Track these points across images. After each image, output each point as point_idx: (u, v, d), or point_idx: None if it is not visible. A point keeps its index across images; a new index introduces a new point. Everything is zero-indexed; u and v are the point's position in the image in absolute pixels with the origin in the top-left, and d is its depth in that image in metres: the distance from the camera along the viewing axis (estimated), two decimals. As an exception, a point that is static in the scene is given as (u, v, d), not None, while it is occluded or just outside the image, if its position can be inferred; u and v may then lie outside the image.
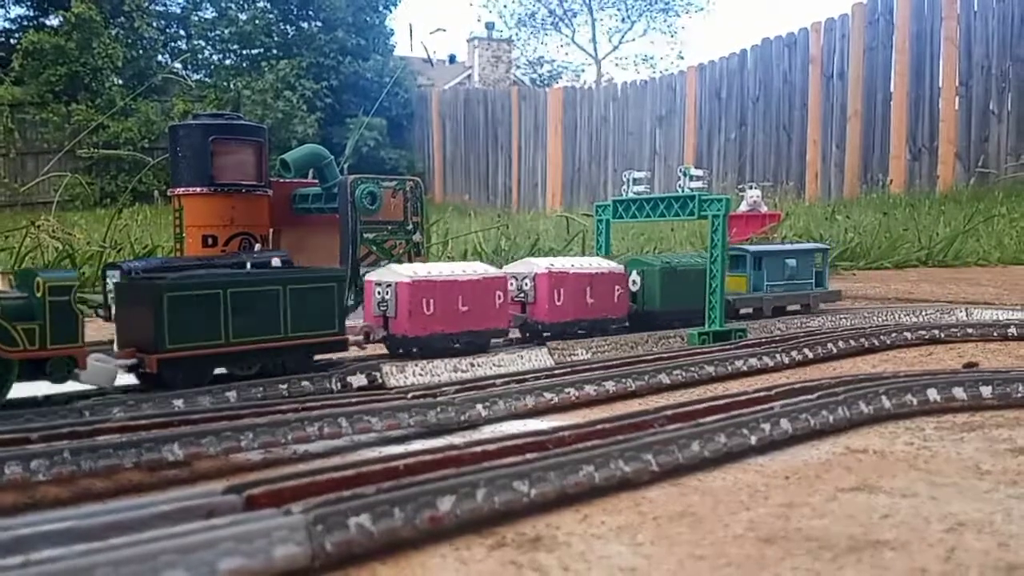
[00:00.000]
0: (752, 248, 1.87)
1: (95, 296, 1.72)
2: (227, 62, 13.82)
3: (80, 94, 11.79)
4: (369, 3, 13.63)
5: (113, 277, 1.25)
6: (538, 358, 1.33)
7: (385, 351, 1.32)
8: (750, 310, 1.81)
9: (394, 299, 1.27)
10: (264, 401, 1.01)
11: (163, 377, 1.03)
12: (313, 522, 0.57)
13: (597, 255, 1.70)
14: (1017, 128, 7.06)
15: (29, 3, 13.64)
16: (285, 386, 1.08)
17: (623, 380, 1.15)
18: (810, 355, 1.40)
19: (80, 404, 0.95)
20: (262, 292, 1.11)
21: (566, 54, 41.77)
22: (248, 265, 1.28)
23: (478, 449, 0.74)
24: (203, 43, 13.86)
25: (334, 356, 1.25)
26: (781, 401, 0.94)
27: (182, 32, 14.44)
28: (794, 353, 1.38)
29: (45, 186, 7.66)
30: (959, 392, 1.04)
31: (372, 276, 1.31)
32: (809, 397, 0.95)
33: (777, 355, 1.36)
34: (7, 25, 13.88)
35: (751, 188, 3.59)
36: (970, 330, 1.60)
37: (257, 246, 1.51)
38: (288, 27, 13.53)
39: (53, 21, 13.07)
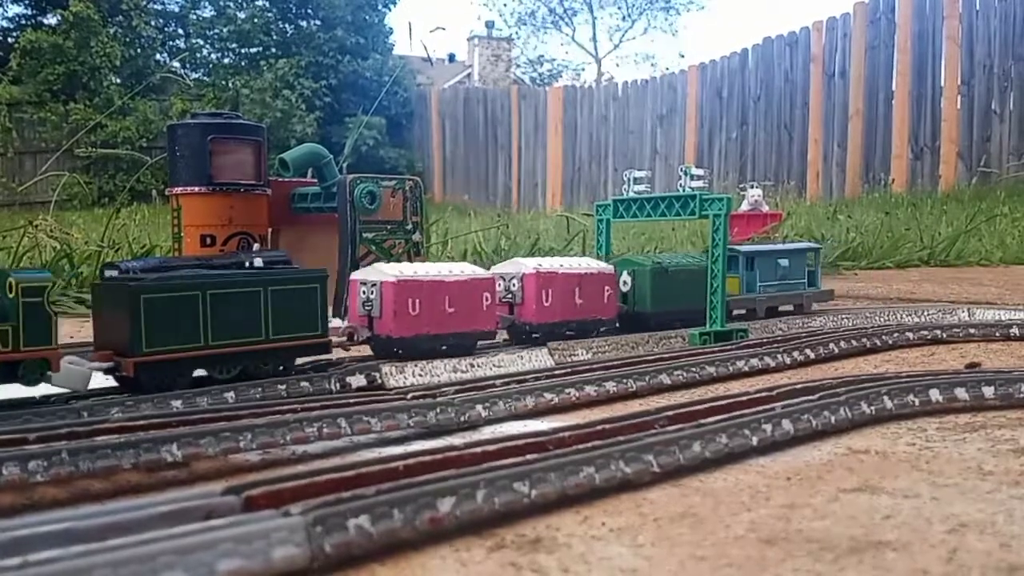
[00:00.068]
0: (744, 248, 1.85)
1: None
2: (225, 61, 13.83)
3: (78, 93, 11.78)
4: (368, 2, 13.63)
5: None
6: (538, 358, 1.33)
7: (371, 352, 1.29)
8: (743, 311, 1.79)
9: (379, 299, 1.25)
10: (263, 402, 1.00)
11: (140, 380, 1.01)
12: (312, 523, 0.57)
13: (597, 255, 1.70)
14: (1019, 127, 7.06)
15: (27, 2, 13.63)
16: (284, 387, 1.08)
17: (624, 380, 1.15)
18: (812, 355, 1.40)
19: (78, 404, 0.95)
20: (242, 293, 1.09)
21: (566, 53, 41.84)
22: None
23: (478, 450, 0.74)
24: (201, 42, 13.86)
25: (325, 357, 1.24)
26: (783, 402, 0.94)
27: (180, 31, 14.44)
28: (796, 353, 1.38)
29: (43, 185, 7.66)
30: (961, 392, 1.03)
31: (357, 275, 1.29)
32: (811, 397, 0.95)
33: (778, 355, 1.35)
34: (5, 24, 13.88)
35: (752, 187, 3.58)
36: (972, 330, 1.60)
37: (256, 246, 1.50)
38: (287, 26, 13.53)
39: (51, 20, 13.07)
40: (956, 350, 1.49)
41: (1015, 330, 1.58)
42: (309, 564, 0.56)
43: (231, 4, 13.58)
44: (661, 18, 29.62)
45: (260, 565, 0.54)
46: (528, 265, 1.42)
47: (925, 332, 1.58)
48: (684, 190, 1.56)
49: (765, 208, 3.62)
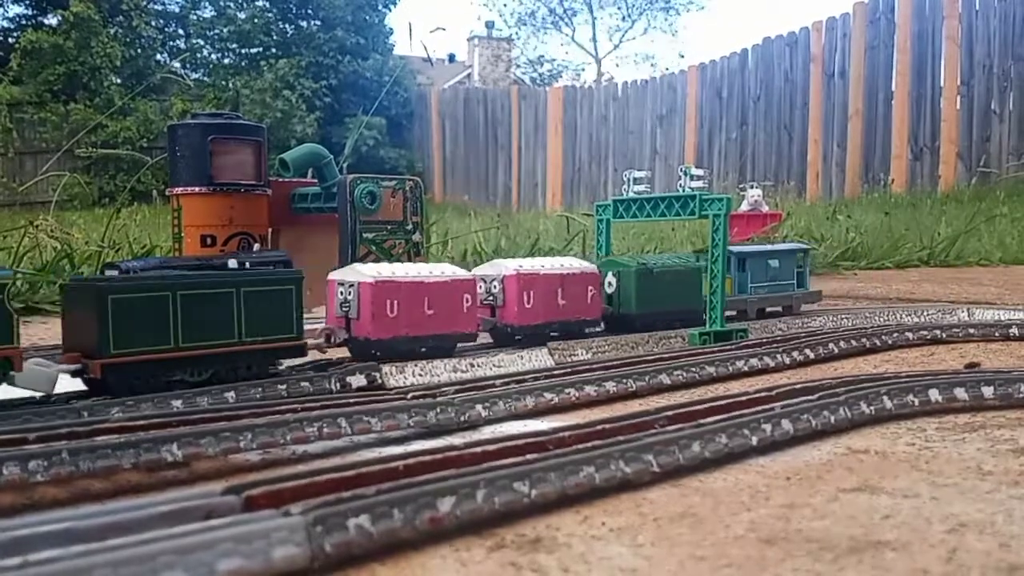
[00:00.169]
0: (735, 249, 1.85)
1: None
2: (226, 61, 13.83)
3: (78, 93, 11.79)
4: (368, 2, 13.63)
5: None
6: (538, 358, 1.33)
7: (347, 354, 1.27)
8: (734, 312, 1.78)
9: (356, 300, 1.22)
10: (263, 401, 1.00)
11: (108, 383, 1.00)
12: (312, 523, 0.57)
13: (598, 255, 1.70)
14: (1019, 127, 7.06)
15: (27, 2, 13.63)
16: (284, 387, 1.08)
17: (624, 380, 1.15)
18: (811, 355, 1.40)
19: (79, 404, 0.95)
20: (214, 295, 1.07)
21: (566, 53, 41.84)
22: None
23: (478, 450, 0.74)
24: (202, 42, 13.87)
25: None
26: (782, 401, 0.94)
27: (181, 31, 14.44)
28: (795, 353, 1.38)
29: (43, 186, 7.66)
30: (961, 392, 1.04)
31: (335, 276, 1.27)
32: (810, 397, 0.95)
33: (778, 355, 1.35)
34: (5, 24, 13.89)
35: (752, 187, 3.58)
36: (972, 330, 1.60)
37: (256, 246, 1.50)
38: (287, 26, 13.53)
39: (51, 20, 13.07)
40: (956, 350, 1.49)
41: (1014, 330, 1.58)
42: (309, 564, 0.56)
43: (231, 4, 13.58)
44: (661, 18, 29.63)
45: (260, 565, 0.54)
46: (509, 266, 1.40)
47: (925, 332, 1.58)
48: (684, 190, 1.56)
49: (765, 208, 3.62)
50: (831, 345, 1.44)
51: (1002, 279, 3.14)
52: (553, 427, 0.84)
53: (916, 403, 1.01)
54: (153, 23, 13.38)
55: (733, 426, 0.85)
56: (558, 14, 22.66)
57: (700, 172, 1.56)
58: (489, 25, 20.99)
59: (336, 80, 12.95)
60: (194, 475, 0.81)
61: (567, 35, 29.94)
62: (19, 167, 10.86)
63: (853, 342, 1.48)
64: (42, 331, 1.78)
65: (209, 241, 1.49)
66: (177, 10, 14.22)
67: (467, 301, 1.32)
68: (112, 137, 11.24)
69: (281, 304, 1.13)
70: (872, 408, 0.98)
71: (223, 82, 13.05)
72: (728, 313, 1.75)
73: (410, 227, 1.61)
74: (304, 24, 13.59)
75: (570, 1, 22.40)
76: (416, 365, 1.21)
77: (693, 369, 1.24)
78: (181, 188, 1.50)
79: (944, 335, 1.58)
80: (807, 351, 1.40)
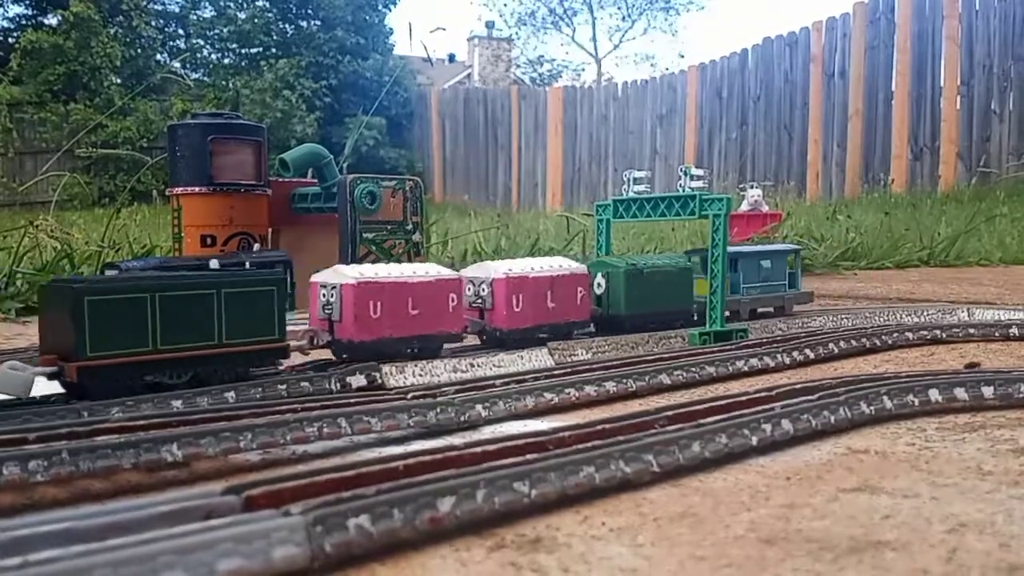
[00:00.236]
0: (728, 249, 1.84)
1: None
2: (226, 61, 13.84)
3: (78, 93, 11.79)
4: (368, 2, 13.64)
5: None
6: (538, 358, 1.33)
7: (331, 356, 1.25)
8: (727, 313, 1.77)
9: (339, 302, 1.20)
10: (263, 402, 1.00)
11: (84, 386, 0.98)
12: (312, 523, 0.57)
13: (598, 255, 1.70)
14: (1019, 127, 7.06)
15: (27, 2, 13.64)
16: (284, 387, 1.08)
17: (624, 380, 1.15)
18: (811, 355, 1.40)
19: (79, 404, 0.95)
20: (193, 296, 1.05)
21: (566, 53, 41.88)
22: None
23: (478, 450, 0.74)
24: (202, 42, 13.88)
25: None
26: (782, 401, 0.94)
27: (181, 31, 14.45)
28: (795, 353, 1.38)
29: (43, 186, 7.66)
30: (961, 392, 1.03)
31: (316, 278, 1.25)
32: (810, 397, 0.95)
33: (778, 355, 1.35)
34: (5, 24, 13.91)
35: (752, 187, 3.59)
36: (972, 330, 1.60)
37: (256, 246, 1.50)
38: (287, 26, 13.54)
39: (51, 20, 13.09)
40: (956, 350, 1.49)
41: (1014, 330, 1.58)
42: (309, 564, 0.56)
43: (231, 4, 13.59)
44: (661, 18, 29.67)
45: (260, 565, 0.54)
46: (498, 270, 1.37)
47: (925, 332, 1.58)
48: (684, 190, 1.56)
49: (765, 208, 3.62)
50: (831, 345, 1.44)
51: (1002, 279, 3.14)
52: (553, 427, 0.84)
53: (916, 403, 1.01)
54: (153, 23, 13.39)
55: (733, 426, 0.85)
56: (558, 14, 22.69)
57: (700, 172, 1.56)
58: (489, 25, 21.00)
59: (336, 80, 12.96)
60: (194, 475, 0.81)
61: (567, 35, 29.98)
62: (19, 167, 10.87)
63: (853, 342, 1.48)
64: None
65: (209, 241, 1.49)
66: (177, 10, 14.24)
67: (452, 301, 1.30)
68: (112, 137, 11.24)
69: (262, 305, 1.11)
70: (872, 408, 0.98)
71: (223, 82, 13.05)
72: None
73: (410, 227, 1.61)
74: (304, 24, 13.60)
75: (570, 1, 22.42)
76: (416, 365, 1.21)
77: (693, 369, 1.24)
78: (181, 188, 1.50)
79: (944, 335, 1.58)
80: (807, 351, 1.40)
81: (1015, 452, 0.85)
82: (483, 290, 1.37)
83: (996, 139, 7.17)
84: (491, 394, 1.01)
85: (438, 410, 0.95)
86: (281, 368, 1.20)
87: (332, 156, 1.63)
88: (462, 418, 0.96)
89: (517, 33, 23.40)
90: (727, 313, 1.75)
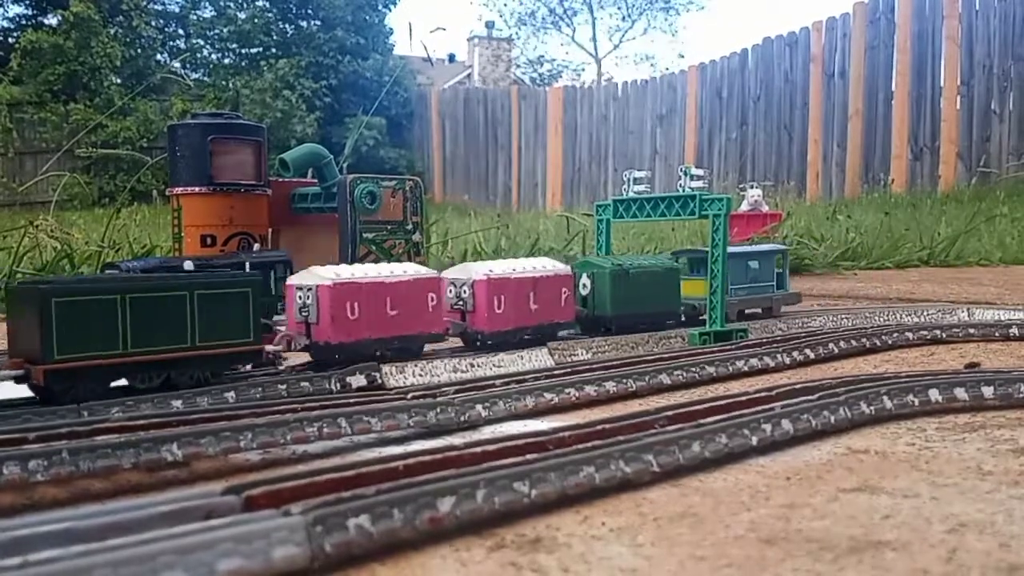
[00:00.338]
0: None
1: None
2: (226, 61, 13.84)
3: (78, 93, 11.79)
4: (368, 2, 13.64)
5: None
6: (538, 358, 1.33)
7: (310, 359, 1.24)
8: None
9: (315, 304, 1.19)
10: (263, 401, 1.00)
11: (51, 389, 0.97)
12: (312, 523, 0.57)
13: (598, 255, 1.70)
14: (1019, 127, 7.06)
15: (27, 2, 13.64)
16: (284, 387, 1.08)
17: (624, 380, 1.15)
18: (811, 355, 1.40)
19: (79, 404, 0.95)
20: (165, 298, 1.04)
21: (566, 53, 41.88)
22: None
23: (478, 450, 0.74)
24: (202, 42, 13.87)
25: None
26: (782, 401, 0.94)
27: (181, 31, 14.45)
28: (795, 353, 1.38)
29: (43, 186, 7.66)
30: (961, 392, 1.03)
31: (293, 280, 1.23)
32: (810, 397, 0.95)
33: (778, 355, 1.36)
34: (5, 24, 13.90)
35: (752, 187, 3.58)
36: (972, 330, 1.60)
37: (256, 246, 1.50)
38: (287, 26, 13.54)
39: (51, 20, 13.08)
40: (956, 350, 1.49)
41: (1014, 330, 1.58)
42: (309, 564, 0.56)
43: (231, 4, 13.59)
44: (661, 18, 29.67)
45: (260, 565, 0.54)
46: (479, 271, 1.36)
47: (925, 332, 1.58)
48: (684, 190, 1.56)
49: (765, 208, 3.62)
50: (831, 345, 1.44)
51: (1002, 279, 3.14)
52: (553, 427, 0.84)
53: (916, 403, 1.01)
54: (153, 23, 13.38)
55: (733, 426, 0.85)
56: (558, 14, 22.69)
57: (700, 172, 1.56)
58: (489, 25, 21.00)
59: (336, 80, 12.96)
60: (194, 475, 0.81)
61: (567, 35, 29.98)
62: (19, 167, 10.87)
63: (853, 342, 1.48)
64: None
65: (209, 241, 1.49)
66: (177, 10, 14.23)
67: (432, 300, 1.28)
68: (112, 137, 11.24)
69: (237, 308, 1.10)
70: (872, 408, 0.98)
71: (223, 82, 13.05)
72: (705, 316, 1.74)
73: (410, 227, 1.61)
74: (304, 24, 13.60)
75: (570, 1, 22.42)
76: (416, 365, 1.21)
77: (693, 369, 1.24)
78: (181, 188, 1.50)
79: (944, 335, 1.58)
80: (807, 351, 1.40)
81: (1015, 452, 0.85)
82: (464, 292, 1.35)
83: (996, 139, 7.17)
84: (491, 394, 1.01)
85: (438, 410, 0.95)
86: (281, 368, 1.20)
87: (332, 156, 1.63)
88: (462, 418, 0.96)
89: (517, 33, 23.43)
90: None
